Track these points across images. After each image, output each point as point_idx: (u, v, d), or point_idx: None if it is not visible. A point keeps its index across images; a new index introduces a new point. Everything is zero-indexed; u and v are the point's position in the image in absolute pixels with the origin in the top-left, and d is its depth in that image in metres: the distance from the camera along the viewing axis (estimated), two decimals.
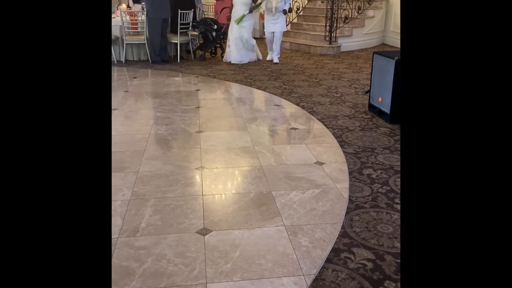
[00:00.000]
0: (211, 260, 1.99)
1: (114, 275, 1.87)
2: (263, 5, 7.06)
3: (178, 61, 7.15)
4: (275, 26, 7.12)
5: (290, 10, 9.35)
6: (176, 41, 7.02)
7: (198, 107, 4.59)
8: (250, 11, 6.94)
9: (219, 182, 2.85)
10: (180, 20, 6.76)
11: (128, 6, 7.24)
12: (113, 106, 4.54)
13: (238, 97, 5.15)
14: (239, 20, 6.93)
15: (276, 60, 7.22)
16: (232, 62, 7.10)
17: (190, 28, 7.06)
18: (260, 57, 7.44)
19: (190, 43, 7.38)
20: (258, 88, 5.49)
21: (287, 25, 9.50)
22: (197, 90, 5.39)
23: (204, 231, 2.22)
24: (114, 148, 3.36)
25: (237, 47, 7.09)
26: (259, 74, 6.34)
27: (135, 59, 7.23)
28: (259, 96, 5.18)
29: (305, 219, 2.36)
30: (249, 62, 7.20)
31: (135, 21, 6.91)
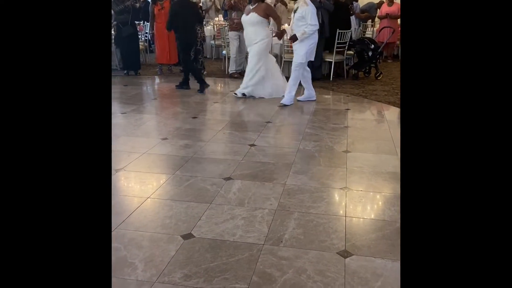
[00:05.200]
0: (350, 285, 1.97)
1: (256, 279, 2.00)
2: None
3: (331, 79, 7.25)
4: (294, 53, 5.47)
5: None
6: (331, 60, 7.14)
7: (347, 127, 4.57)
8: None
9: (363, 206, 2.79)
10: (338, 40, 6.85)
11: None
12: (267, 119, 4.85)
13: (389, 120, 4.96)
14: None
15: (287, 101, 5.45)
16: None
17: (346, 47, 7.10)
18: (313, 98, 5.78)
19: (344, 62, 7.41)
20: None
21: None
22: (347, 109, 5.38)
23: (345, 253, 2.21)
24: (265, 158, 3.60)
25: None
26: None
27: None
28: None
29: None
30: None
31: None
